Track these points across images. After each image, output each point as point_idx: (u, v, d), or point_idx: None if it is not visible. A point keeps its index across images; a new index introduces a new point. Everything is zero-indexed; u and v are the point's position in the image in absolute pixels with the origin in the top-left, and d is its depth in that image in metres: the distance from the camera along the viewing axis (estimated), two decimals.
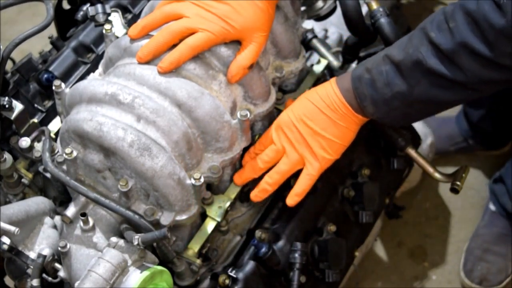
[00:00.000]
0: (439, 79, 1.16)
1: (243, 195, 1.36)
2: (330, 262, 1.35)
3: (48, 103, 1.44)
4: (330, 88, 1.27)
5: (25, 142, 1.28)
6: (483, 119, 2.11)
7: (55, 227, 1.28)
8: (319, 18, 1.60)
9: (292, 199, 1.30)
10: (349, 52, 1.52)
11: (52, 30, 1.54)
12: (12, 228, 1.16)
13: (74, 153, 1.19)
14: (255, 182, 1.33)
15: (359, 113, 1.26)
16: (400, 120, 1.29)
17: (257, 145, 1.33)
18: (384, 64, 1.21)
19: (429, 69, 1.15)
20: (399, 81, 1.19)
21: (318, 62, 1.52)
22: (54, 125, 1.39)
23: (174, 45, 1.22)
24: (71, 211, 1.21)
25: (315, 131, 1.27)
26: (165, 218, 1.20)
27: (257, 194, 1.31)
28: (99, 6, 1.40)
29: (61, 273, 1.22)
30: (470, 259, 2.02)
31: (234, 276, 1.28)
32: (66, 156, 1.18)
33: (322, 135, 1.27)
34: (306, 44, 1.53)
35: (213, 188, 1.32)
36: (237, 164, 1.34)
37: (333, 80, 1.28)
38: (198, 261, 1.26)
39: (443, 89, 1.17)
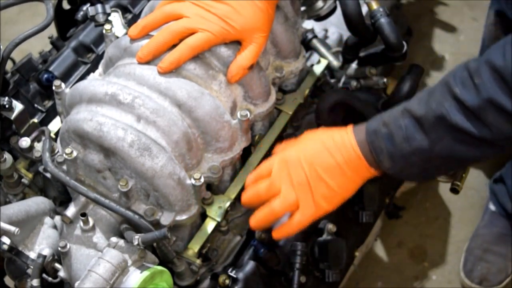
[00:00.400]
0: (463, 136, 1.11)
1: None
2: (330, 262, 1.35)
3: (48, 103, 1.44)
4: (347, 137, 1.21)
5: (25, 142, 1.28)
6: None
7: (55, 227, 1.28)
8: (319, 18, 1.60)
9: (278, 234, 1.23)
10: (349, 52, 1.52)
11: (52, 30, 1.54)
12: (12, 228, 1.16)
13: (74, 153, 1.19)
14: None
15: (373, 167, 1.20)
16: (416, 176, 1.23)
17: (258, 171, 1.25)
18: (403, 118, 1.16)
19: (454, 125, 1.10)
20: (420, 136, 1.14)
21: (318, 62, 1.52)
22: (54, 125, 1.39)
23: (174, 45, 1.22)
24: (71, 211, 1.21)
25: (321, 178, 1.20)
26: (165, 218, 1.20)
27: (252, 226, 1.24)
28: (99, 6, 1.40)
29: (61, 273, 1.22)
30: (470, 259, 2.02)
31: (234, 276, 1.28)
32: (66, 156, 1.18)
33: (328, 183, 1.20)
34: (306, 44, 1.53)
35: (213, 188, 1.32)
36: (237, 164, 1.34)
37: (350, 129, 1.22)
38: (198, 261, 1.26)
39: (467, 146, 1.12)
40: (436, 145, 1.13)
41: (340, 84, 1.60)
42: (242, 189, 1.34)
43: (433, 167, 1.19)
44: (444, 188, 2.14)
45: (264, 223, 1.22)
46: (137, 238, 1.13)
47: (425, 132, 1.14)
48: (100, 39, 1.50)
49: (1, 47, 1.29)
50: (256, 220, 1.22)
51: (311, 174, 1.19)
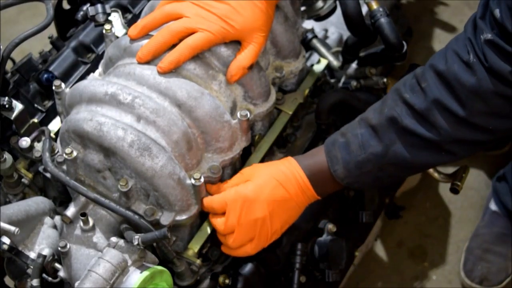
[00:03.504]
0: (413, 138, 1.16)
1: None
2: (330, 262, 1.35)
3: (48, 103, 1.44)
4: (295, 169, 1.24)
5: (25, 142, 1.28)
6: None
7: (55, 227, 1.28)
8: (319, 18, 1.60)
9: (226, 251, 1.28)
10: (349, 52, 1.52)
11: (52, 30, 1.54)
12: (12, 228, 1.16)
13: (74, 153, 1.19)
14: None
15: (319, 192, 1.25)
16: (369, 185, 1.28)
17: (211, 202, 1.24)
18: (359, 128, 1.21)
19: (404, 127, 1.16)
20: (374, 142, 1.19)
21: (318, 62, 1.52)
22: (54, 125, 1.39)
23: (174, 45, 1.22)
24: (71, 211, 1.21)
25: (278, 213, 1.23)
26: (165, 218, 1.20)
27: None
28: (99, 6, 1.40)
29: (61, 273, 1.22)
30: (470, 259, 2.02)
31: (234, 276, 1.28)
32: (66, 156, 1.18)
33: (282, 217, 1.24)
34: (306, 44, 1.53)
35: None
36: (237, 164, 1.34)
37: (292, 160, 1.25)
38: (198, 261, 1.26)
39: (418, 150, 1.17)
40: (389, 149, 1.18)
41: (340, 84, 1.60)
42: None
43: (386, 175, 1.23)
44: (444, 188, 2.14)
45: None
46: (137, 238, 1.13)
47: (379, 137, 1.19)
48: (100, 39, 1.50)
49: (1, 47, 1.29)
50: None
51: (270, 212, 1.23)
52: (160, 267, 1.17)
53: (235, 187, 1.24)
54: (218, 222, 1.24)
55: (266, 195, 1.22)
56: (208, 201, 1.24)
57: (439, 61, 1.14)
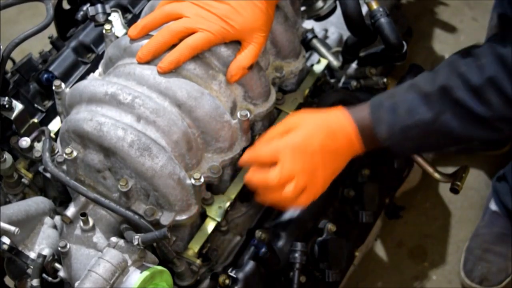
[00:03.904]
0: (464, 111, 1.16)
1: (243, 195, 1.36)
2: (330, 262, 1.35)
3: (48, 103, 1.44)
4: (344, 121, 1.23)
5: (25, 142, 1.28)
6: None
7: (55, 227, 1.28)
8: (319, 18, 1.60)
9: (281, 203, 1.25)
10: (349, 52, 1.52)
11: (52, 30, 1.54)
12: (12, 228, 1.16)
13: (74, 153, 1.19)
14: None
15: (367, 145, 1.24)
16: (409, 151, 1.28)
17: (258, 154, 1.23)
18: (409, 93, 1.21)
19: (457, 99, 1.16)
20: (423, 109, 1.19)
21: (318, 62, 1.52)
22: (54, 125, 1.39)
23: (174, 45, 1.22)
24: (71, 211, 1.21)
25: (328, 163, 1.23)
26: (165, 218, 1.20)
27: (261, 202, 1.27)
28: (99, 6, 1.40)
29: (61, 273, 1.22)
30: (470, 259, 2.02)
31: (234, 276, 1.28)
32: (66, 156, 1.18)
33: (331, 167, 1.24)
34: (306, 44, 1.53)
35: (213, 188, 1.32)
36: (237, 164, 1.34)
37: (344, 112, 1.24)
38: (198, 261, 1.26)
39: (466, 122, 1.17)
40: (438, 118, 1.18)
41: (340, 84, 1.60)
42: (242, 189, 1.34)
43: (428, 144, 1.24)
44: (444, 188, 2.14)
45: (273, 205, 1.24)
46: (137, 238, 1.14)
47: (429, 105, 1.19)
48: (100, 39, 1.50)
49: (1, 47, 1.29)
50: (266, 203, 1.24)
51: (323, 161, 1.21)
52: (160, 267, 1.17)
53: (284, 137, 1.21)
54: (270, 174, 1.19)
55: (317, 144, 1.20)
56: (254, 153, 1.22)
57: (499, 43, 1.14)
